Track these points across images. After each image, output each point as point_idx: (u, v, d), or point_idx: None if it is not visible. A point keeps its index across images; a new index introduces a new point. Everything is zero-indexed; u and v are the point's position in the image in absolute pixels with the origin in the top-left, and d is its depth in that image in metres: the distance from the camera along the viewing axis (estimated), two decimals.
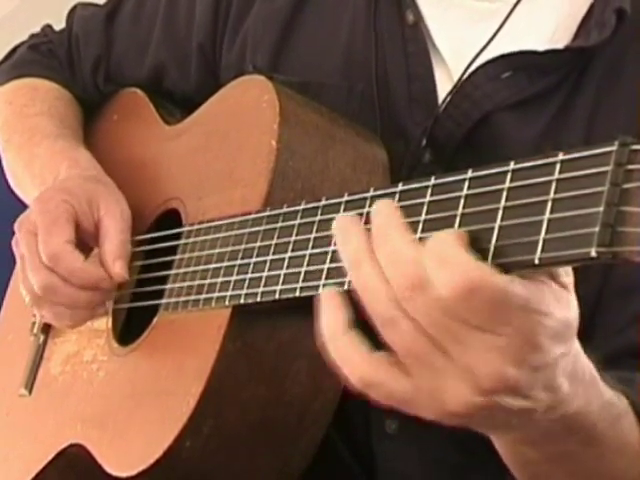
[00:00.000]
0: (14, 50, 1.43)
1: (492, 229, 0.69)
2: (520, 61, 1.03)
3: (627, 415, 0.84)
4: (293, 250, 0.90)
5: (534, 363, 0.69)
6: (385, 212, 0.72)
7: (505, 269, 0.67)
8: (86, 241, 1.13)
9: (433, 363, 0.69)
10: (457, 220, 0.72)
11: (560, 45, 1.04)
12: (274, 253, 0.92)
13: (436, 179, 0.75)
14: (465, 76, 1.05)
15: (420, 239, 0.72)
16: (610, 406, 0.81)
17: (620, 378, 0.84)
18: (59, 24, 1.42)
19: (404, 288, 0.69)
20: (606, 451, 0.82)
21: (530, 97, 1.04)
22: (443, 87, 1.06)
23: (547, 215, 0.66)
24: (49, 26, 1.44)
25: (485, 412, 0.70)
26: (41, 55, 1.41)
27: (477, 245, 0.69)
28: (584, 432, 0.79)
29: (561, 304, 0.69)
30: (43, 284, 1.09)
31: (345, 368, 0.72)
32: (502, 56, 1.03)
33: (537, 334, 0.68)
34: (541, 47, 1.03)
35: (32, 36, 1.44)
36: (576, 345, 0.73)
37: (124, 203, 1.16)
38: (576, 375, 0.74)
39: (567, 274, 0.69)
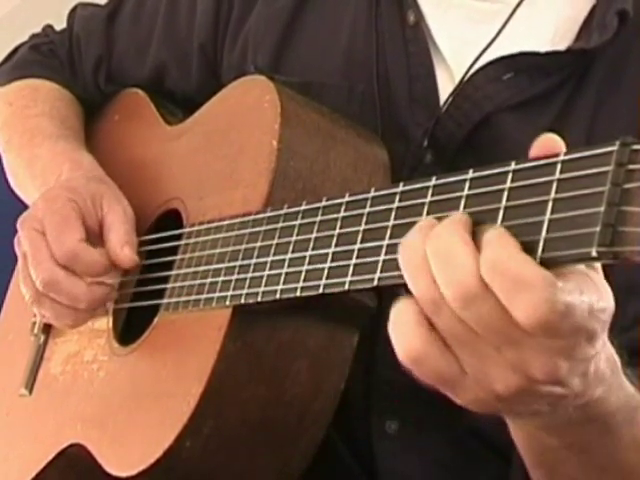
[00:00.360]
0: (15, 50, 1.43)
1: None
2: (521, 62, 1.03)
3: None
4: (294, 251, 0.90)
5: (585, 356, 0.69)
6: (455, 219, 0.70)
7: None
8: (89, 240, 1.13)
9: (482, 352, 0.69)
10: None
11: (561, 47, 1.04)
12: (275, 254, 0.92)
13: (437, 179, 0.75)
14: (466, 77, 1.05)
15: None
16: (631, 398, 0.81)
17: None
18: (60, 24, 1.42)
19: (455, 297, 0.67)
20: (620, 443, 0.82)
21: (531, 98, 1.04)
22: (444, 88, 1.06)
23: (548, 215, 0.66)
24: (50, 26, 1.44)
25: (525, 398, 0.70)
26: (42, 55, 1.41)
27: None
28: (603, 420, 0.79)
29: (607, 293, 0.69)
30: (46, 278, 1.09)
31: (396, 338, 0.71)
32: (503, 57, 1.03)
33: (595, 331, 0.68)
34: (542, 49, 1.03)
35: (33, 36, 1.44)
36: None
37: (126, 202, 1.16)
38: (606, 361, 0.74)
39: None
